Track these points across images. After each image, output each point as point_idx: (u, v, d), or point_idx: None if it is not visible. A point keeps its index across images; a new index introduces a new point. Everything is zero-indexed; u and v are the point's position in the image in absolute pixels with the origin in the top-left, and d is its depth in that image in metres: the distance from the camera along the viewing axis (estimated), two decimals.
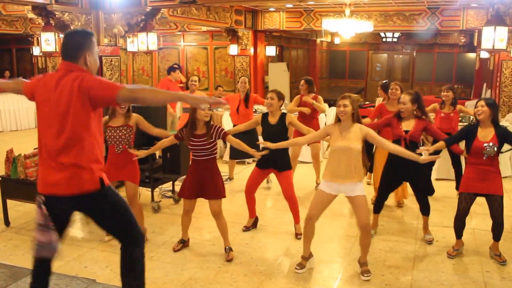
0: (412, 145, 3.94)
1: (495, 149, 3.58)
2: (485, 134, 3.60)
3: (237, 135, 5.62)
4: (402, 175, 4.07)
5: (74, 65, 2.41)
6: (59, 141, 2.34)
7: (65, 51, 2.46)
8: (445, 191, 5.67)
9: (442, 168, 6.10)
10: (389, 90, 4.98)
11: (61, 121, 2.33)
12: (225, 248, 3.81)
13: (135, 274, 2.55)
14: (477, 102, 3.70)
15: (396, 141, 4.00)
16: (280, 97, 4.22)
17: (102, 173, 2.45)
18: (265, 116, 4.27)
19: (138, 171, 4.11)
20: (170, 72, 7.74)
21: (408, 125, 4.01)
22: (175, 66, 10.35)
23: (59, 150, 2.35)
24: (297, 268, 3.59)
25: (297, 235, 4.27)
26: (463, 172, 5.47)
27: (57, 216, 2.45)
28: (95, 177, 2.39)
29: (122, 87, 2.31)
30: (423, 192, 4.17)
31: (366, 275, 3.48)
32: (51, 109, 2.35)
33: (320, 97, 5.67)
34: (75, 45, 2.43)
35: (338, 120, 3.41)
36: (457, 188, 5.52)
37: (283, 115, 4.22)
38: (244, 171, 6.54)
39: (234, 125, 5.92)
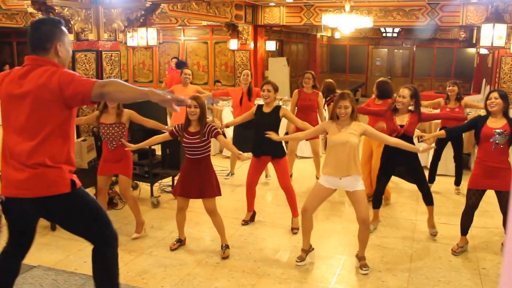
0: (406, 139, 3.97)
1: (506, 137, 3.48)
2: (496, 123, 3.55)
3: (238, 130, 5.69)
4: (396, 166, 4.10)
5: (43, 59, 2.23)
6: (26, 140, 2.18)
7: (32, 43, 2.25)
8: (443, 187, 5.70)
9: (440, 163, 6.10)
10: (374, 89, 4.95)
11: (28, 119, 2.18)
12: (222, 246, 3.83)
13: (109, 276, 2.47)
14: (489, 94, 3.64)
15: (389, 136, 4.02)
16: (276, 88, 4.29)
17: (73, 175, 2.31)
18: (259, 107, 4.32)
19: (131, 165, 4.16)
20: (182, 68, 7.74)
21: (402, 120, 4.02)
22: (179, 60, 10.38)
23: (25, 150, 2.18)
24: (298, 260, 3.64)
25: (293, 230, 4.30)
26: (463, 168, 5.55)
27: (17, 221, 2.34)
28: (65, 179, 2.23)
29: (95, 82, 2.15)
30: (422, 181, 4.16)
31: (364, 269, 3.51)
32: (16, 106, 2.19)
33: (321, 94, 5.67)
34: (44, 35, 2.23)
35: (336, 117, 3.44)
36: (456, 183, 5.56)
37: (278, 107, 4.29)
38: (244, 165, 6.54)
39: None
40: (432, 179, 5.53)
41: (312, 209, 3.55)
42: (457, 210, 4.75)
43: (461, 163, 5.50)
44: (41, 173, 2.18)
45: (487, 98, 3.63)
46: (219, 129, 3.67)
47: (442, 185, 5.76)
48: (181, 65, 8.30)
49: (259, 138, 4.17)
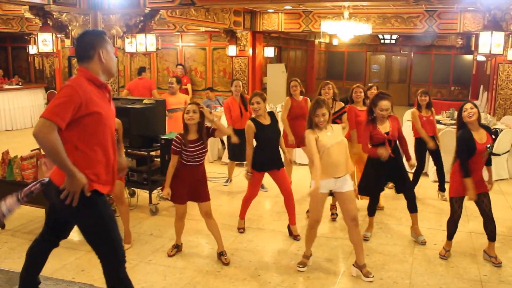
0: (395, 144, 4.07)
1: (492, 147, 3.72)
2: (481, 136, 3.67)
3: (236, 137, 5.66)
4: (386, 172, 4.12)
5: (79, 68, 2.41)
6: None
7: (76, 54, 2.44)
8: None
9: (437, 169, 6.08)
10: (353, 94, 4.98)
11: None
12: (222, 252, 3.80)
13: None
14: (463, 106, 3.73)
15: (380, 144, 4.03)
16: (264, 98, 4.26)
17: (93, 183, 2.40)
18: (255, 120, 4.21)
19: None
20: (141, 72, 8.22)
21: (385, 127, 4.05)
22: (180, 65, 10.40)
23: None
24: (300, 266, 3.65)
25: (296, 237, 4.27)
26: (444, 171, 5.54)
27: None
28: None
29: (44, 116, 2.20)
30: (410, 186, 4.23)
31: (370, 276, 3.48)
32: None
33: (309, 100, 5.64)
34: (86, 45, 2.40)
35: (315, 126, 3.46)
36: (441, 189, 5.58)
37: (272, 114, 4.28)
38: (243, 173, 6.51)
39: (234, 129, 5.89)
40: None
41: (320, 220, 3.62)
42: None
43: (442, 166, 5.53)
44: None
45: (462, 110, 3.69)
46: (211, 125, 3.74)
47: None
48: (140, 71, 8.34)
49: (266, 153, 4.12)
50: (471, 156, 3.66)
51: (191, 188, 3.68)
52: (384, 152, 3.91)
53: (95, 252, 2.48)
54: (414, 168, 4.36)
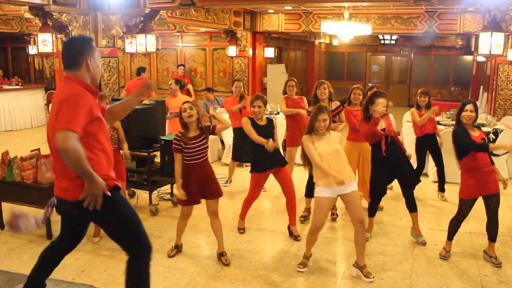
0: (392, 139, 4.06)
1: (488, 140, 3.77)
2: (473, 132, 3.74)
3: (240, 140, 5.67)
4: (391, 172, 4.12)
5: (69, 76, 2.36)
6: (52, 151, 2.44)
7: (64, 60, 2.40)
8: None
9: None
10: (352, 95, 4.96)
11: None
12: (222, 253, 3.79)
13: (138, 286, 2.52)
14: (465, 105, 3.74)
15: (378, 142, 4.03)
16: (266, 102, 4.30)
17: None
18: (250, 118, 4.24)
19: (124, 168, 4.28)
20: (140, 73, 8.32)
21: (380, 125, 4.05)
22: (181, 66, 10.40)
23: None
24: (300, 267, 3.65)
25: (297, 237, 4.27)
26: (445, 170, 5.56)
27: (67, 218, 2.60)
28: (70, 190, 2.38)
29: (66, 128, 2.15)
30: (412, 185, 4.26)
31: (370, 276, 3.49)
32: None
33: (304, 98, 5.65)
34: (74, 52, 2.37)
35: (315, 131, 3.48)
36: (441, 189, 5.57)
37: (271, 120, 4.33)
38: (242, 174, 6.52)
39: (233, 128, 5.91)
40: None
41: (323, 225, 3.62)
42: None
43: (442, 165, 5.55)
44: (56, 180, 2.47)
45: (463, 109, 3.71)
46: (211, 124, 3.78)
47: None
48: (139, 71, 8.36)
49: (263, 154, 4.12)
50: (468, 152, 3.68)
51: (200, 186, 3.66)
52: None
53: (122, 248, 2.50)
54: (411, 158, 4.35)
